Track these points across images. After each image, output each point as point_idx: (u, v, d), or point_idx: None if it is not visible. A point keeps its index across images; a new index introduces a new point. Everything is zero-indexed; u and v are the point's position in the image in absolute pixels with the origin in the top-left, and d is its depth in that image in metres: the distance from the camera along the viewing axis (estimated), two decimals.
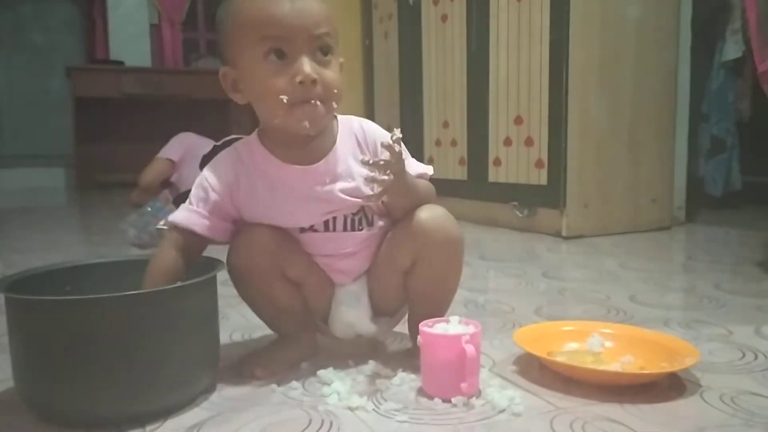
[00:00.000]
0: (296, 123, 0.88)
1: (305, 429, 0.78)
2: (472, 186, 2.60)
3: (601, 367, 0.92)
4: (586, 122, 2.19)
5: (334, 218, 0.95)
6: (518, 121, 2.34)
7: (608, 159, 2.25)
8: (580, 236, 2.20)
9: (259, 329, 1.15)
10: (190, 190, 2.89)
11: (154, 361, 0.79)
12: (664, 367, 0.92)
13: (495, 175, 2.47)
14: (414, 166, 0.98)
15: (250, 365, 0.96)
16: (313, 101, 0.87)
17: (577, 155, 2.19)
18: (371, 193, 0.89)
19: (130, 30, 5.08)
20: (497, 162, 2.46)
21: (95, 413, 0.79)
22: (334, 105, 0.90)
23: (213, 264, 0.91)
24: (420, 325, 0.88)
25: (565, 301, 1.43)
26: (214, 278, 0.89)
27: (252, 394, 0.89)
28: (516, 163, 2.37)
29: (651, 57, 2.30)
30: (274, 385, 0.91)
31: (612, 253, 1.98)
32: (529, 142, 2.30)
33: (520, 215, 2.35)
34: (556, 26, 2.17)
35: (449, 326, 0.88)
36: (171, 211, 2.17)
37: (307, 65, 0.86)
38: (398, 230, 0.96)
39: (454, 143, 2.69)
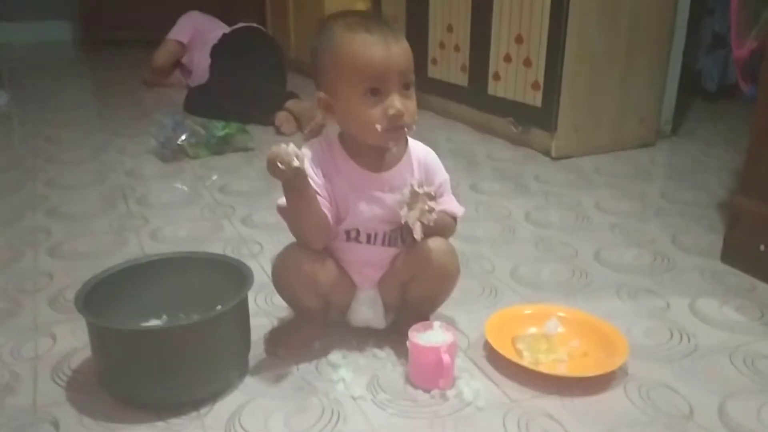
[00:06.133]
0: (385, 143, 1.10)
1: (319, 419, 1.04)
2: (472, 94, 2.72)
3: (544, 370, 1.13)
4: (583, 46, 2.27)
5: (375, 234, 1.16)
6: (519, 39, 2.41)
7: (601, 81, 2.36)
8: (569, 157, 2.38)
9: (282, 310, 1.37)
10: (202, 85, 3.18)
11: (202, 359, 1.04)
12: (600, 360, 1.16)
13: (494, 88, 2.58)
14: (448, 203, 1.18)
15: (273, 345, 1.22)
16: (401, 128, 1.08)
17: (571, 80, 2.29)
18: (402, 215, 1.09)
19: None
20: (497, 76, 2.56)
21: (160, 399, 1.06)
22: (414, 127, 1.11)
23: (246, 275, 1.13)
24: (410, 331, 1.12)
25: (538, 258, 1.64)
26: (246, 297, 1.12)
27: (277, 377, 1.14)
28: (514, 80, 2.48)
29: None
30: (294, 368, 1.17)
31: (592, 183, 2.17)
32: (527, 62, 2.39)
33: (515, 131, 2.50)
34: None
35: (432, 334, 1.11)
36: (189, 126, 2.34)
37: (397, 101, 1.05)
38: (406, 253, 1.18)
39: (457, 48, 2.76)
